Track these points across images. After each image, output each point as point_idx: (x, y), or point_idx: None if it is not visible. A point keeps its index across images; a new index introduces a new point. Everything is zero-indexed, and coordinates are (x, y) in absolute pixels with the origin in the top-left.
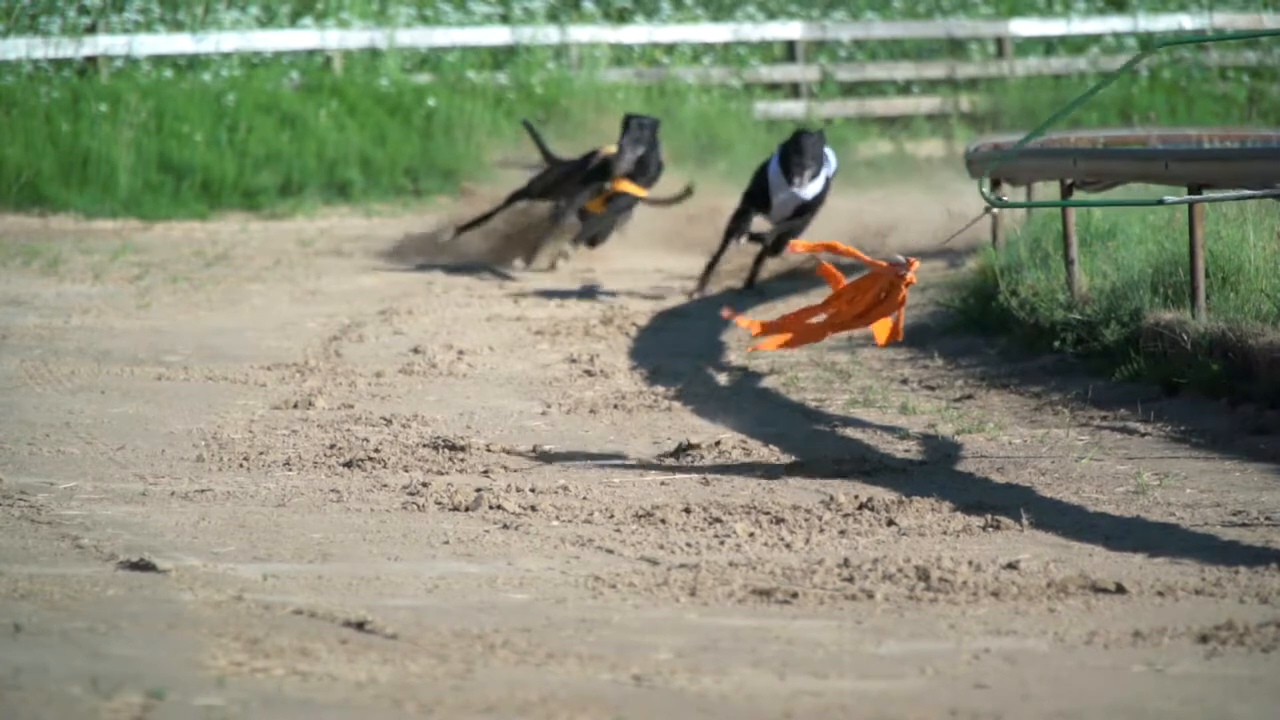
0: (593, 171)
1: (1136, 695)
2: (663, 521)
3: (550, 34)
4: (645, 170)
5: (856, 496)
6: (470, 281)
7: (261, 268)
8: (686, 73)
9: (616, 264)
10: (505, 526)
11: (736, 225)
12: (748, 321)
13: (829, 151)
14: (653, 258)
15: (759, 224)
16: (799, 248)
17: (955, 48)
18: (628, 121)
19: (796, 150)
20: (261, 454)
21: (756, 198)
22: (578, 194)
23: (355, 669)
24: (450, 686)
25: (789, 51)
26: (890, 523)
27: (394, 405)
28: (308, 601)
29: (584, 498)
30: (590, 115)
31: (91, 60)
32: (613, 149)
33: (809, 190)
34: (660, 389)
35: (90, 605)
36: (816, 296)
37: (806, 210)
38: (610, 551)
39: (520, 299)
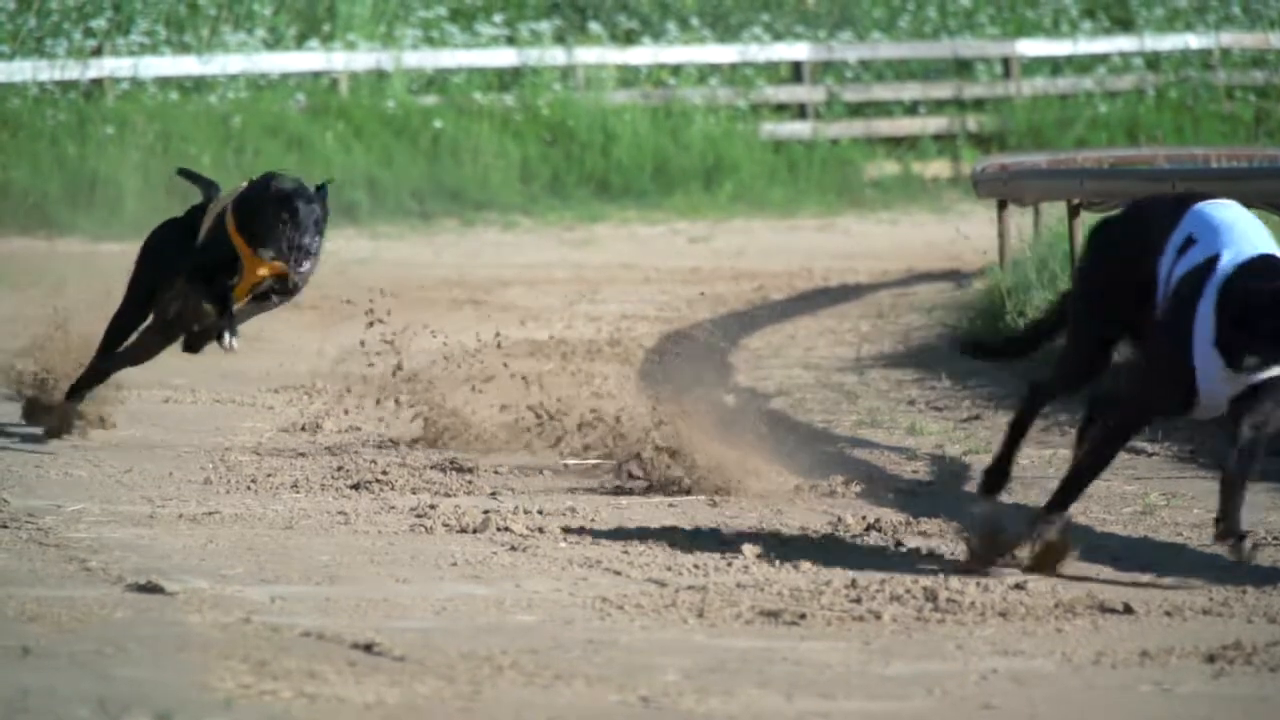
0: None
1: (1144, 715)
2: (670, 543)
3: (557, 55)
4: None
5: (864, 517)
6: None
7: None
8: (693, 94)
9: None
10: (513, 548)
11: None
12: None
13: None
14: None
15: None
16: None
17: (962, 68)
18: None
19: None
20: (269, 476)
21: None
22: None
23: (363, 691)
24: (458, 708)
25: (795, 72)
26: (898, 544)
27: (401, 427)
28: (315, 623)
29: (591, 519)
30: (597, 136)
31: (98, 83)
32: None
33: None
34: None
35: (98, 627)
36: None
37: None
38: (618, 573)
39: (526, 321)
